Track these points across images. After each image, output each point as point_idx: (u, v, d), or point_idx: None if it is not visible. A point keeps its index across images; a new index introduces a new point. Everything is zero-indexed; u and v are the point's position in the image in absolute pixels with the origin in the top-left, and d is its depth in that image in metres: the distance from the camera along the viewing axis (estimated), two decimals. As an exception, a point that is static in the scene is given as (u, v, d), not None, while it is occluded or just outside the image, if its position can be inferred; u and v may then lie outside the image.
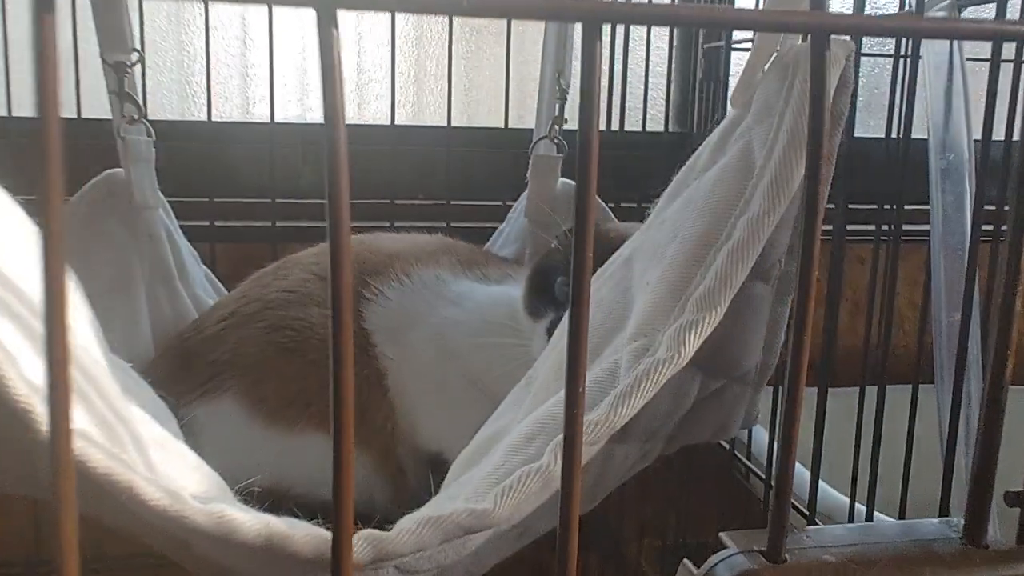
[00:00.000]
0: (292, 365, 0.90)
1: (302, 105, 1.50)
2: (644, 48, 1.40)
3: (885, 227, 0.83)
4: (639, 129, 1.46)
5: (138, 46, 1.07)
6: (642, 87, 1.40)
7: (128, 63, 1.03)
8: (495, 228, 1.28)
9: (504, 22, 1.38)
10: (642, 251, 0.58)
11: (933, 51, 0.81)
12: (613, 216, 1.13)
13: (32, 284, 0.47)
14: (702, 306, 0.49)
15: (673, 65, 1.57)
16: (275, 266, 1.02)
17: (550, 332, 0.80)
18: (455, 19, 1.33)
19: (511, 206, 1.28)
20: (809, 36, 0.31)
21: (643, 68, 1.41)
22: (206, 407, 0.88)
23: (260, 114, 1.43)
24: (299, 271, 0.98)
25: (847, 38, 0.52)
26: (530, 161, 1.15)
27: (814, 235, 0.29)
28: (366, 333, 0.91)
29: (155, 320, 1.01)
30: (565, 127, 1.15)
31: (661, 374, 0.48)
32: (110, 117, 1.06)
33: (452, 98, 1.26)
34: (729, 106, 0.59)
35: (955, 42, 0.81)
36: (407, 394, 0.89)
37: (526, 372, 0.84)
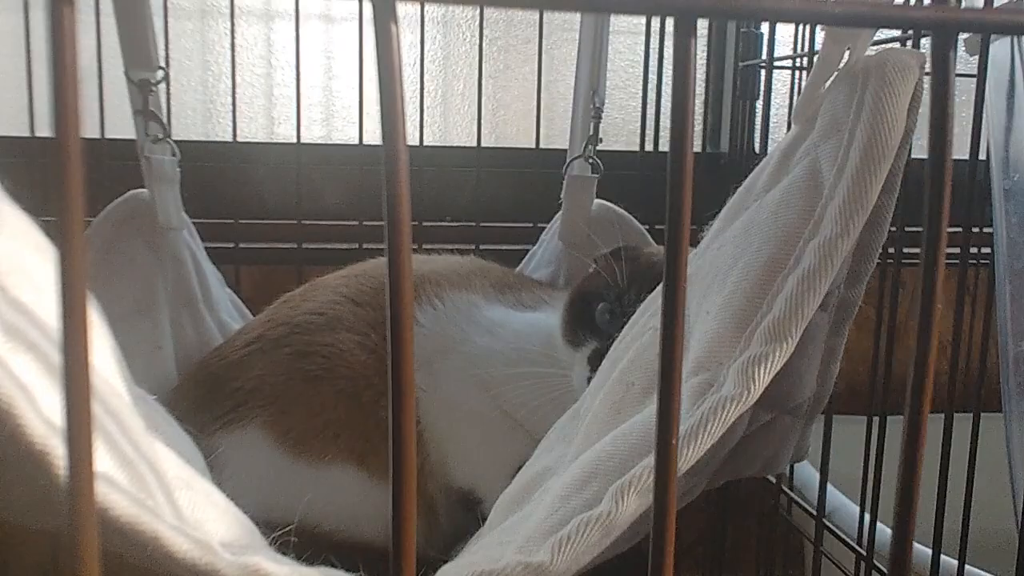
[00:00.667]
0: (320, 394, 0.86)
1: (328, 125, 1.48)
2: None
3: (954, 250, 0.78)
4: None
5: (163, 64, 1.05)
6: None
7: (153, 81, 1.00)
8: (526, 250, 1.24)
9: (535, 40, 1.35)
10: (698, 277, 0.54)
11: (993, 65, 0.78)
12: (651, 239, 1.10)
13: (51, 312, 0.44)
14: (771, 338, 0.46)
15: (709, 84, 1.54)
16: (303, 289, 0.99)
17: (591, 361, 0.77)
18: (484, 38, 1.30)
19: (542, 228, 1.24)
20: (931, 36, 0.27)
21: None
22: (230, 438, 0.85)
23: (284, 134, 1.41)
24: (328, 294, 0.94)
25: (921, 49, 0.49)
26: (564, 182, 1.11)
27: (937, 258, 0.26)
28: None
29: (179, 344, 0.98)
30: (599, 146, 1.12)
31: (729, 413, 0.44)
32: (134, 137, 1.04)
33: (481, 118, 1.23)
34: (792, 122, 0.55)
35: (1017, 57, 0.78)
36: (438, 427, 0.85)
37: (564, 403, 0.80)
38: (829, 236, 0.47)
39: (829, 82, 0.54)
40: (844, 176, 0.48)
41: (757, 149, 1.41)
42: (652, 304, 0.58)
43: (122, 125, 1.27)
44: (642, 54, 1.30)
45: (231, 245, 1.21)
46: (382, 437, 0.86)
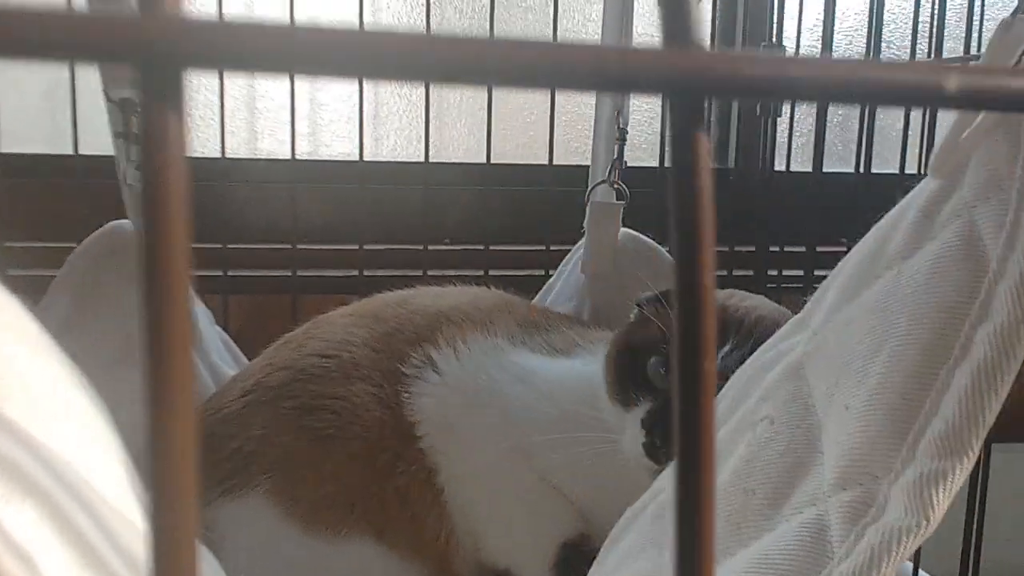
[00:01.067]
0: (331, 457, 0.76)
1: (314, 140, 1.37)
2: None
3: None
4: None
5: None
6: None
7: (135, 100, 0.90)
8: (537, 276, 1.16)
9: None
10: (822, 359, 0.45)
11: None
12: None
13: (49, 431, 0.34)
14: (945, 451, 0.37)
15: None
16: (305, 328, 0.89)
17: (646, 425, 0.68)
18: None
19: (556, 251, 1.16)
20: None
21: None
22: (230, 508, 0.75)
23: (268, 150, 1.30)
24: (336, 333, 0.84)
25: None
26: (587, 209, 1.02)
27: None
28: (409, 425, 0.78)
29: (166, 394, 0.87)
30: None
31: (906, 547, 0.35)
32: (111, 153, 0.93)
33: (491, 134, 1.14)
34: (929, 174, 0.47)
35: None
36: (467, 498, 0.76)
37: (612, 471, 0.71)
38: (1004, 324, 0.39)
39: (974, 127, 0.45)
40: (1016, 248, 0.40)
41: (778, 167, 1.34)
42: (753, 383, 0.49)
43: (95, 141, 1.16)
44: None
45: (219, 273, 1.10)
46: (400, 506, 0.76)
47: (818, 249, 1.27)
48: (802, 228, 1.28)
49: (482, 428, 0.77)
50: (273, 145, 1.31)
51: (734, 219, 1.36)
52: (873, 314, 0.44)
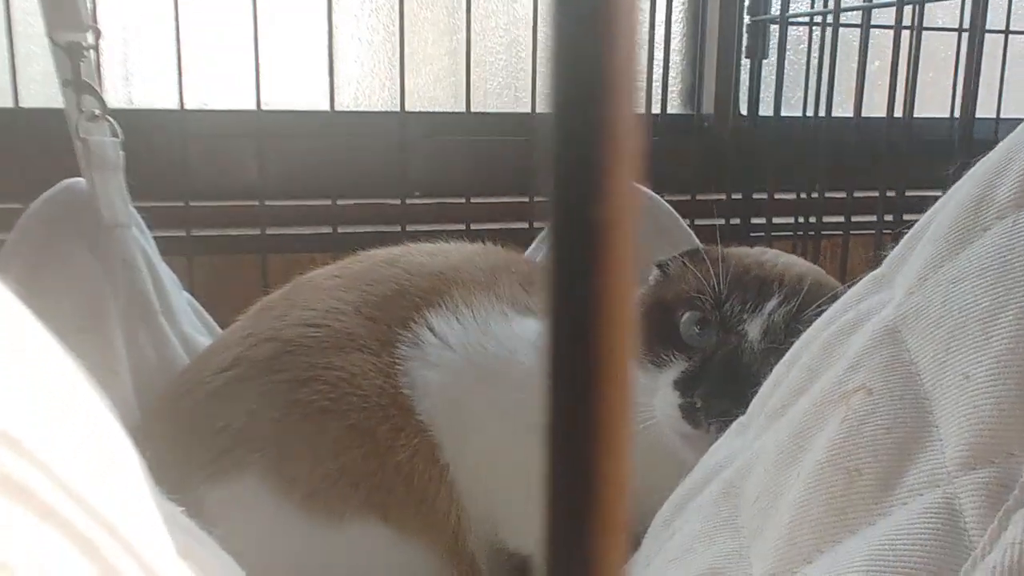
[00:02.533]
0: (328, 432, 0.70)
1: (275, 90, 1.27)
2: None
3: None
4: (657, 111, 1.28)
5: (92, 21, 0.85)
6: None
7: (85, 44, 0.80)
8: (520, 228, 1.09)
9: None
10: (925, 322, 0.40)
11: None
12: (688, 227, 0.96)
13: (85, 460, 0.28)
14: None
15: (693, 38, 1.40)
16: (284, 292, 0.81)
17: (680, 386, 0.62)
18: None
19: (540, 202, 1.09)
20: None
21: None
22: (219, 492, 0.68)
23: (230, 102, 1.20)
24: (323, 300, 0.77)
25: None
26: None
27: None
28: (408, 398, 0.71)
29: (136, 367, 0.80)
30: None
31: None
32: (58, 106, 0.84)
33: (470, 81, 1.07)
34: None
35: None
36: (479, 479, 0.70)
37: (640, 440, 0.66)
38: None
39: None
40: None
41: (763, 112, 1.29)
42: (833, 348, 0.44)
43: (39, 92, 1.06)
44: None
45: (181, 233, 1.01)
46: (404, 484, 0.70)
47: (802, 196, 1.24)
48: (790, 175, 1.24)
49: (493, 402, 0.71)
50: (232, 97, 1.21)
51: (711, 167, 1.31)
52: (988, 271, 0.39)
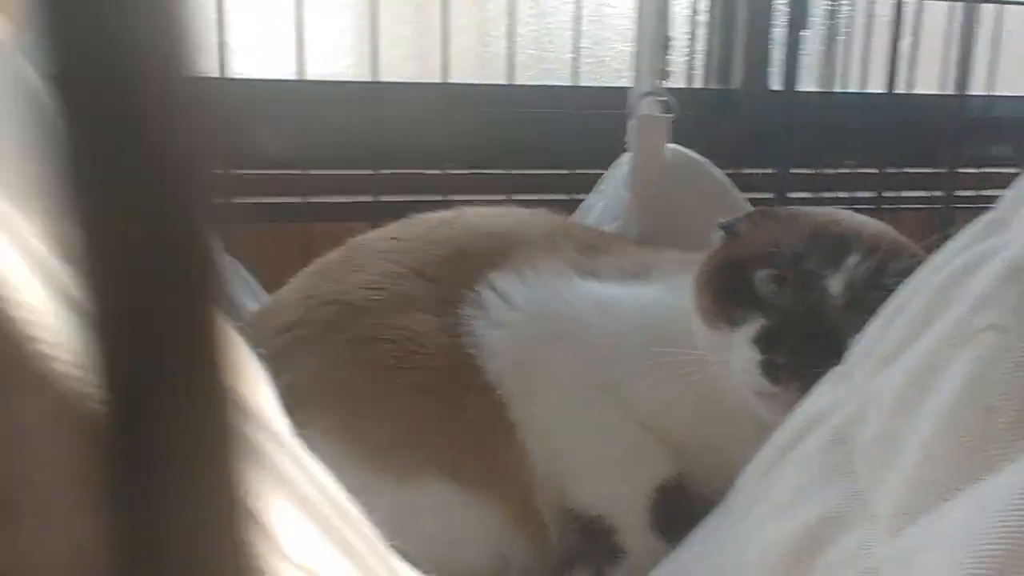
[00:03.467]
0: (395, 390, 0.69)
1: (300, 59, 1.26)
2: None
3: None
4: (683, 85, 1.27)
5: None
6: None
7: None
8: (561, 201, 1.09)
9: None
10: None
11: None
12: (735, 191, 0.95)
13: None
14: None
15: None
16: (340, 255, 0.80)
17: (760, 344, 0.62)
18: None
19: (582, 175, 1.09)
20: None
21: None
22: (286, 450, 0.67)
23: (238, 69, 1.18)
24: (380, 263, 0.76)
25: None
26: (631, 124, 0.95)
27: None
28: (470, 358, 0.70)
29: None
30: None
31: None
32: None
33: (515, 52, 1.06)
34: None
35: None
36: (547, 440, 0.69)
37: (711, 398, 0.65)
38: None
39: None
40: None
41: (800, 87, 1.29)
42: (951, 289, 0.44)
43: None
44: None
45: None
46: (473, 442, 0.69)
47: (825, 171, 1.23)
48: (810, 150, 1.24)
49: (560, 362, 0.70)
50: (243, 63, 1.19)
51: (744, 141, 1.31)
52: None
